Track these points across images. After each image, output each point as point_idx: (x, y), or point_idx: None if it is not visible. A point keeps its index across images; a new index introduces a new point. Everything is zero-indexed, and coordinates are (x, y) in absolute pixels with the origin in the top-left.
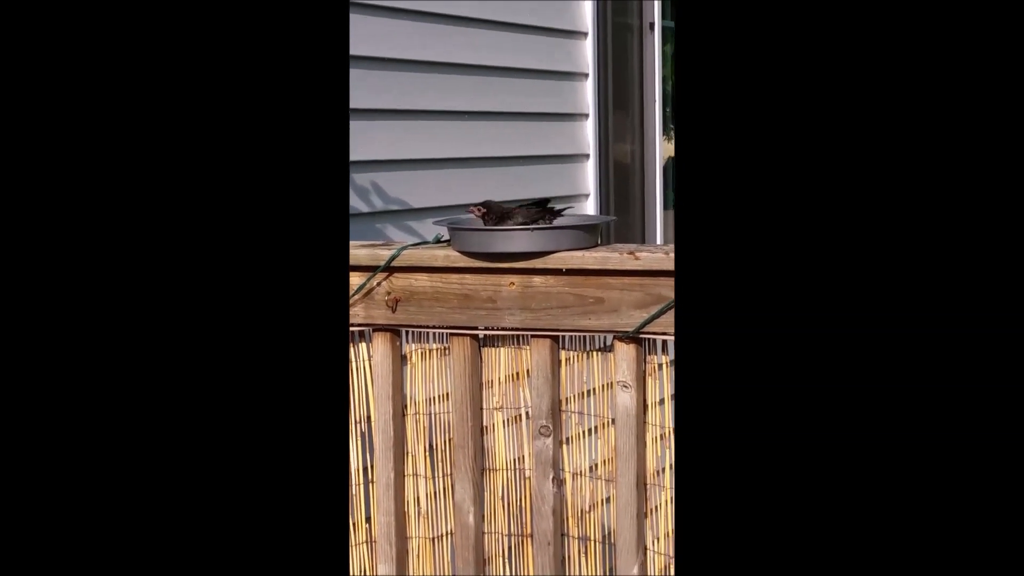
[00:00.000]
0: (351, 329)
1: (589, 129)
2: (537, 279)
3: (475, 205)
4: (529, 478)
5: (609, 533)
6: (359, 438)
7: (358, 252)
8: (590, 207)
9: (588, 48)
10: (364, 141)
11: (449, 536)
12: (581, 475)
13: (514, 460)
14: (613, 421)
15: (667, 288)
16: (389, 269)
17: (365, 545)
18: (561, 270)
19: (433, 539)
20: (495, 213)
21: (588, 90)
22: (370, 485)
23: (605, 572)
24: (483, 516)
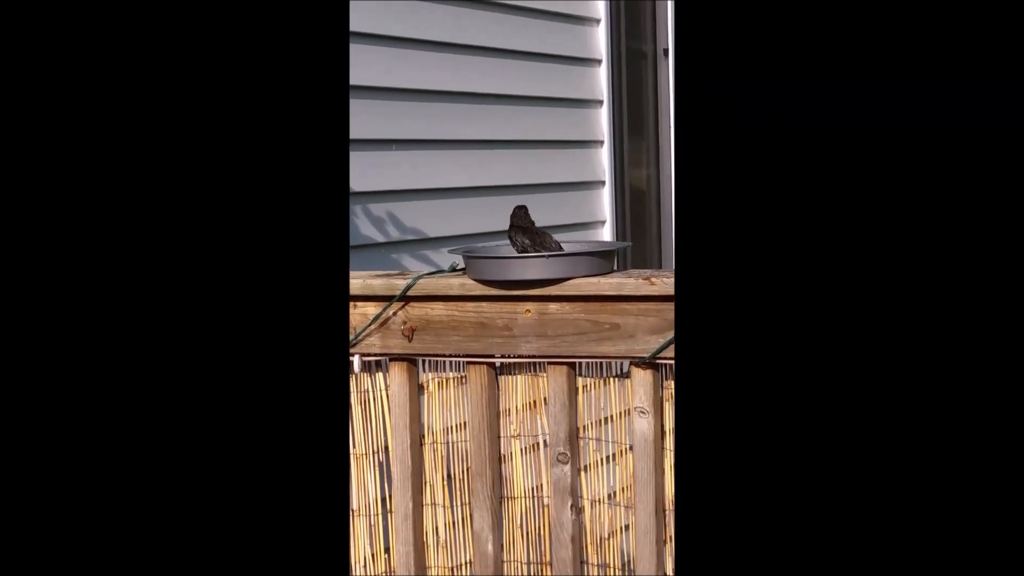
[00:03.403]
0: (368, 359)
1: (604, 156)
2: (553, 306)
3: (518, 207)
4: (548, 506)
5: (629, 560)
6: (377, 468)
7: (374, 282)
8: (606, 233)
9: (603, 75)
10: (380, 171)
11: (468, 566)
12: (600, 502)
13: (532, 488)
14: (631, 448)
15: None
16: (405, 298)
17: None
18: (577, 297)
19: (452, 568)
20: (520, 225)
21: (603, 117)
22: (388, 515)
23: None
24: (502, 545)
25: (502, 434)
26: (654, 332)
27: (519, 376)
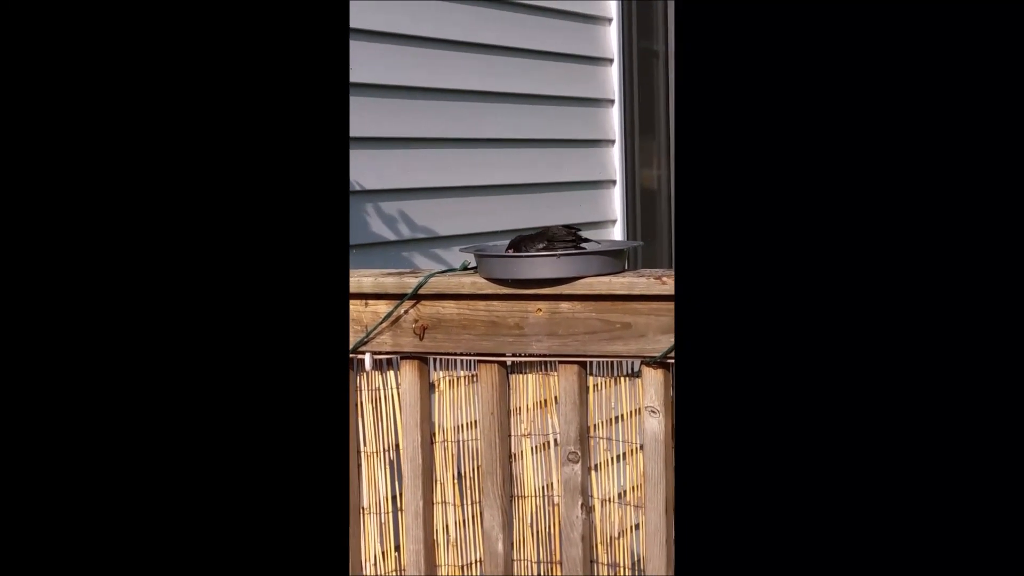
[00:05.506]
0: (380, 357)
1: (616, 155)
2: (564, 305)
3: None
4: (558, 505)
5: (638, 560)
6: (387, 466)
7: (385, 280)
8: (617, 233)
9: (614, 74)
10: (391, 170)
11: (478, 564)
12: (610, 501)
13: (543, 487)
14: (641, 447)
15: None
16: (416, 297)
17: (395, 575)
18: (588, 296)
19: (462, 567)
20: (525, 241)
21: (614, 116)
22: (399, 513)
23: None
24: (512, 543)
25: (513, 433)
26: (665, 332)
27: (530, 375)
